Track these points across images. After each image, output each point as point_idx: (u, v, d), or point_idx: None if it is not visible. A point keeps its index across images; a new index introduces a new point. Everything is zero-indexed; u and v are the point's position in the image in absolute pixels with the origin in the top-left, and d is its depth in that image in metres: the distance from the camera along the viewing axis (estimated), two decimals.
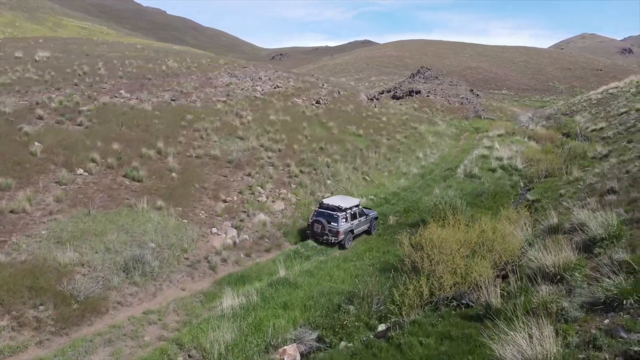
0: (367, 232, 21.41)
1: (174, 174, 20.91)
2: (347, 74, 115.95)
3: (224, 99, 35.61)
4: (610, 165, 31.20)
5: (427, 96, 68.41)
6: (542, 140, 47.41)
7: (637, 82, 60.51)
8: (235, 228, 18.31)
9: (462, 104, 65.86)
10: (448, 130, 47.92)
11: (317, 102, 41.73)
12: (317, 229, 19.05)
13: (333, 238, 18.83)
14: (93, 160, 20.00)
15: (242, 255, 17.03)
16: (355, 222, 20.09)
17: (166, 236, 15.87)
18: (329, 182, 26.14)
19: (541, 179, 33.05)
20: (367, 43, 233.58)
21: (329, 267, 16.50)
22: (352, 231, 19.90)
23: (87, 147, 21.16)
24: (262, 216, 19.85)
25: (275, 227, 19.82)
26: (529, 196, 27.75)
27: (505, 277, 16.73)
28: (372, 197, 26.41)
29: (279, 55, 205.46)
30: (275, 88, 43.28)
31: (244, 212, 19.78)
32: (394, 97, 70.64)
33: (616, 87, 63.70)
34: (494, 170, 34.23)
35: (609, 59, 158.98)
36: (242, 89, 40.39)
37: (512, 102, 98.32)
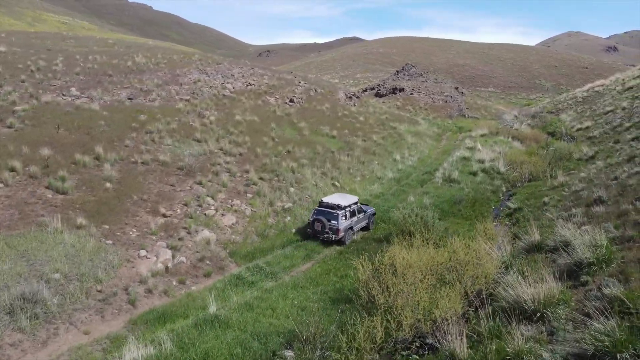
0: (366, 227, 21.49)
1: (108, 184, 18.18)
2: (333, 71, 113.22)
3: (188, 97, 32.83)
4: (597, 169, 29.00)
5: (411, 94, 66.06)
6: (526, 140, 45.27)
7: (623, 80, 58.74)
8: (171, 248, 15.67)
9: (446, 102, 63.57)
10: (429, 130, 45.53)
11: (291, 101, 39.08)
12: (318, 227, 19.10)
13: (333, 236, 18.90)
14: (12, 169, 17.21)
15: (174, 283, 14.41)
16: (355, 219, 20.17)
17: (78, 263, 13.19)
18: (292, 189, 23.54)
19: (524, 184, 30.83)
20: (355, 40, 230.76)
21: (274, 296, 13.95)
22: (351, 228, 19.96)
23: (9, 153, 18.35)
24: (206, 233, 17.22)
25: (221, 245, 17.19)
26: (510, 204, 25.46)
27: (477, 309, 14.37)
28: None
29: (266, 52, 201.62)
30: (247, 86, 40.55)
31: (185, 228, 17.12)
32: (377, 95, 68.28)
33: (602, 85, 61.94)
34: (474, 174, 31.91)
35: (594, 57, 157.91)
36: (210, 86, 37.61)
37: (498, 100, 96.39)
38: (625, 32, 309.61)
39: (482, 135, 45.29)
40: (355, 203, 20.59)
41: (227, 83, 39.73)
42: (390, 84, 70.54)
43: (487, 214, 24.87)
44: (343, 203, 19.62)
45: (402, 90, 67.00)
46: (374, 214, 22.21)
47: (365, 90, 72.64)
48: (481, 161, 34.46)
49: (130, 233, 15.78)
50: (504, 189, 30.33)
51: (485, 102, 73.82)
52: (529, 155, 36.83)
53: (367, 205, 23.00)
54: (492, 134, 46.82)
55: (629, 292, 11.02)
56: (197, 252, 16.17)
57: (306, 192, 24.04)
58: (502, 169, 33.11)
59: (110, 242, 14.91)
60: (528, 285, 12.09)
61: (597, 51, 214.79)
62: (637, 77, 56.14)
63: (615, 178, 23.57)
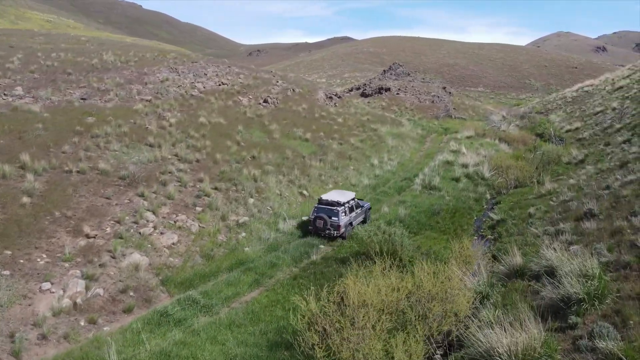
0: (363, 222, 21.68)
1: (26, 199, 15.46)
2: (321, 70, 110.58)
3: (150, 97, 30.10)
4: (587, 175, 26.69)
5: (397, 94, 63.62)
6: (514, 142, 42.96)
7: (613, 79, 56.79)
8: (86, 278, 13.01)
9: (433, 102, 61.19)
10: (413, 132, 43.03)
11: (265, 101, 36.45)
12: (320, 225, 19.33)
13: (335, 232, 19.22)
14: None
15: (81, 323, 11.77)
16: (353, 214, 20.50)
17: None
18: (251, 200, 20.92)
19: (510, 190, 28.46)
20: (346, 39, 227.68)
21: (201, 340, 11.36)
22: (351, 223, 20.30)
23: None
24: (136, 256, 14.58)
25: (153, 271, 14.57)
26: (493, 215, 23.02)
27: (444, 355, 12.04)
28: (305, 217, 21.30)
29: (257, 52, 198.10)
30: (219, 85, 37.86)
31: (110, 251, 14.48)
32: (363, 95, 65.82)
33: (591, 85, 59.99)
34: (457, 180, 29.48)
35: (583, 57, 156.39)
36: (178, 86, 34.89)
37: (487, 100, 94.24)
38: (614, 33, 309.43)
39: (467, 137, 42.95)
40: (353, 199, 20.90)
41: (198, 82, 37.03)
42: (377, 83, 68.03)
43: (467, 226, 22.43)
44: (342, 199, 19.85)
45: (388, 90, 64.54)
46: (369, 209, 22.54)
47: (351, 90, 70.14)
48: (465, 166, 32.05)
49: (38, 260, 13.10)
50: (488, 196, 27.96)
51: (474, 102, 71.41)
52: (515, 159, 34.48)
53: (363, 200, 23.32)
54: (479, 135, 44.48)
55: (627, 344, 8.63)
56: (120, 281, 13.52)
57: (268, 203, 21.43)
58: (487, 174, 30.72)
59: (8, 272, 12.23)
60: (504, 331, 9.70)
61: (587, 51, 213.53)
62: (627, 77, 54.18)
63: (607, 187, 21.23)
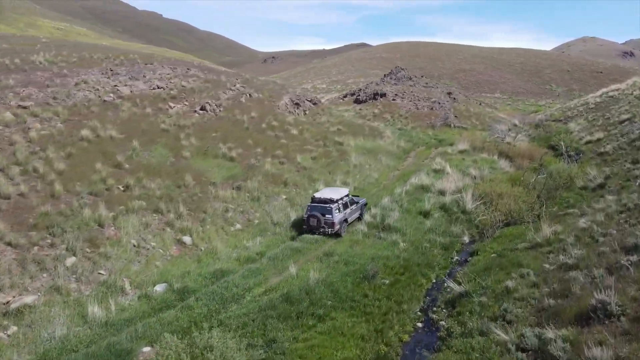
0: (359, 218, 20.70)
1: None
2: (326, 76, 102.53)
3: (31, 103, 22.85)
4: (606, 213, 17.73)
5: (393, 100, 55.00)
6: (518, 158, 33.84)
7: None
8: None
9: (432, 109, 52.26)
10: (393, 145, 34.43)
11: (202, 109, 28.77)
12: (314, 223, 18.38)
13: (330, 229, 18.26)
14: None
15: None
16: (348, 211, 19.53)
17: None
18: (71, 261, 13.08)
19: (497, 230, 19.93)
20: (362, 46, 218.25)
21: None
22: (346, 220, 19.24)
23: None
24: None
25: None
26: (454, 284, 14.46)
27: None
28: (158, 288, 13.41)
29: (272, 58, 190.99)
30: (153, 89, 30.49)
31: None
32: (357, 101, 57.66)
33: (617, 90, 49.96)
34: (427, 214, 21.04)
35: (609, 62, 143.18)
36: (95, 89, 27.66)
37: (504, 106, 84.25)
38: None
39: (460, 152, 34.22)
40: (347, 195, 20.00)
41: (125, 85, 29.69)
42: (372, 88, 59.53)
43: (413, 301, 13.99)
44: (335, 197, 18.88)
45: (383, 95, 56.01)
46: (365, 205, 21.63)
47: (345, 96, 62.10)
48: (442, 193, 23.58)
49: None
50: (466, 239, 19.54)
51: (481, 109, 61.76)
52: (512, 184, 25.73)
53: (358, 196, 22.10)
54: (476, 149, 35.58)
55: None
56: None
57: (104, 263, 13.61)
58: (470, 206, 22.17)
59: None
60: None
61: (613, 56, 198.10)
62: None
63: (636, 247, 12.55)
